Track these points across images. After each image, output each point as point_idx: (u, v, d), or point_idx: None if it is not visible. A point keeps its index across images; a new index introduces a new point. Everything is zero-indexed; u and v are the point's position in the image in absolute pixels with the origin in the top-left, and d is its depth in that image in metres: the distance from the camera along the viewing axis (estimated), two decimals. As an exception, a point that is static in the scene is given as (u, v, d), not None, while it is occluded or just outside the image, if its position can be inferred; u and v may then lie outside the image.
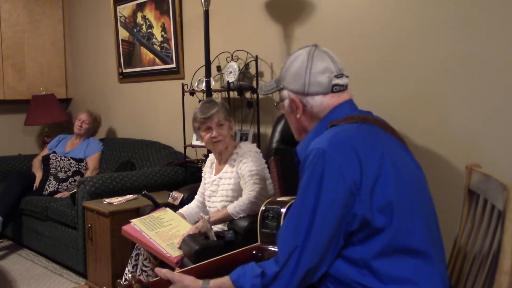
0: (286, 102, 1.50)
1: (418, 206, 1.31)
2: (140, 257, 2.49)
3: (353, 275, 1.26)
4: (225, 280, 1.35)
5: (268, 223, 1.64)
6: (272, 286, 1.28)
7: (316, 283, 1.32)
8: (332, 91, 1.43)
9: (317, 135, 1.38)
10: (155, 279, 1.44)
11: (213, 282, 1.38)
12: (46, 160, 4.07)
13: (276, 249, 1.37)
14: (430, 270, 1.27)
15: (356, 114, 1.42)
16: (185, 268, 1.54)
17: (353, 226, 1.26)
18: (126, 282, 1.43)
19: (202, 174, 2.71)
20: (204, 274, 1.45)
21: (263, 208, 1.69)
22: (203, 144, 2.61)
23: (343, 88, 1.44)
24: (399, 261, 1.25)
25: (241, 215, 2.35)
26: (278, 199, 1.72)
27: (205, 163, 2.77)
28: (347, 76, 1.46)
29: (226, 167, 2.52)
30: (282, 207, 1.64)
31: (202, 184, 2.70)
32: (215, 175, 2.58)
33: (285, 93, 1.49)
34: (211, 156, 2.69)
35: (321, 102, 1.43)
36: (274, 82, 1.55)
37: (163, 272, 1.43)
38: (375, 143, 1.33)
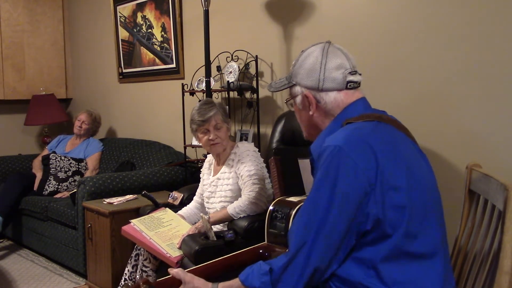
0: (299, 99, 1.47)
1: (429, 210, 1.30)
2: (140, 257, 2.49)
3: (358, 275, 1.24)
4: (234, 282, 1.34)
5: (276, 224, 1.61)
6: (282, 280, 1.26)
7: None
8: (347, 88, 1.42)
9: (331, 133, 1.36)
10: (163, 278, 1.44)
11: (222, 285, 1.37)
12: (46, 160, 4.07)
13: (283, 250, 1.35)
14: (435, 273, 1.26)
15: (371, 113, 1.40)
16: (192, 268, 1.52)
17: (367, 226, 1.24)
18: (134, 283, 1.43)
19: (200, 176, 2.70)
20: (211, 273, 1.44)
21: (272, 207, 1.65)
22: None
23: (356, 85, 1.43)
24: (405, 264, 1.24)
25: (241, 216, 2.35)
26: (288, 199, 1.68)
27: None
28: (360, 74, 1.45)
29: (224, 168, 2.51)
30: (292, 208, 1.61)
31: (200, 185, 2.69)
32: (213, 176, 2.57)
33: (297, 89, 1.47)
34: (209, 157, 2.68)
35: (335, 99, 1.41)
36: (285, 78, 1.52)
37: (175, 271, 1.43)
38: (392, 144, 1.31)
